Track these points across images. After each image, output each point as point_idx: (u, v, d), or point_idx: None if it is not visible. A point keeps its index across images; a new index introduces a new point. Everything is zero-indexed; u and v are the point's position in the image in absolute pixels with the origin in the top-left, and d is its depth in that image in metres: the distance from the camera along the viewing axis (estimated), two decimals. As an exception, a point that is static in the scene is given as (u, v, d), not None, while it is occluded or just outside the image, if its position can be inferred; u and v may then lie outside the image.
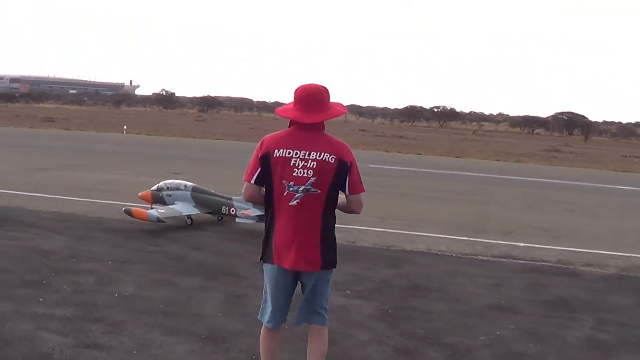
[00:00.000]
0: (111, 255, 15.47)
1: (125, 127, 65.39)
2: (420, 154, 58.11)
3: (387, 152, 58.85)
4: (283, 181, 6.89)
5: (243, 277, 14.30)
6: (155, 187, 20.82)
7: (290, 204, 6.95)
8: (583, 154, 69.89)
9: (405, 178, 36.31)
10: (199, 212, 19.97)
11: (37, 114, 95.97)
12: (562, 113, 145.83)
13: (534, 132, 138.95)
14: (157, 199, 20.56)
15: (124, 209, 19.29)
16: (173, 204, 19.98)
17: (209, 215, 20.46)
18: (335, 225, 7.91)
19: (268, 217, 7.37)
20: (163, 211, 19.21)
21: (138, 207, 19.58)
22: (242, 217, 19.21)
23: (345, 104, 8.19)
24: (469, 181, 37.24)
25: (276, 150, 6.95)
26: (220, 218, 20.55)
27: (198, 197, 20.15)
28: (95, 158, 38.17)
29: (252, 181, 7.17)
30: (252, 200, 7.92)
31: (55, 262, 14.52)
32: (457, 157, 57.18)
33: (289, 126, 7.60)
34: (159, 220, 18.71)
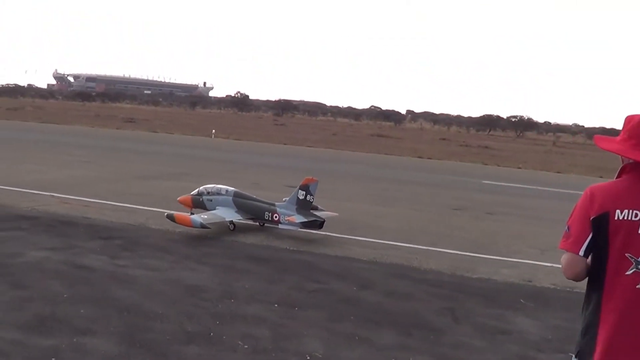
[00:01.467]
0: (271, 294, 13.12)
1: (213, 131, 63.43)
2: (519, 167, 55.08)
3: (485, 164, 55.87)
4: (627, 255, 4.90)
5: (439, 331, 11.85)
6: (195, 191, 20.03)
7: (638, 286, 4.91)
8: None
9: (529, 198, 33.70)
10: (241, 218, 19.01)
11: (116, 114, 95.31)
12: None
13: None
14: (197, 203, 19.80)
15: (166, 214, 18.24)
16: (214, 209, 19.10)
17: (251, 222, 19.52)
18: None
19: (592, 302, 5.28)
20: (206, 217, 18.16)
21: (180, 213, 18.53)
22: (286, 224, 18.34)
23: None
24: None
25: (618, 211, 4.92)
26: (262, 224, 19.42)
27: (240, 202, 19.29)
28: (197, 165, 35.99)
29: (581, 252, 5.12)
30: (578, 278, 5.35)
31: (212, 304, 12.12)
32: (558, 172, 53.69)
33: (619, 175, 5.32)
34: (202, 226, 17.67)
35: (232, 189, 19.64)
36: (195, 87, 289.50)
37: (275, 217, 18.48)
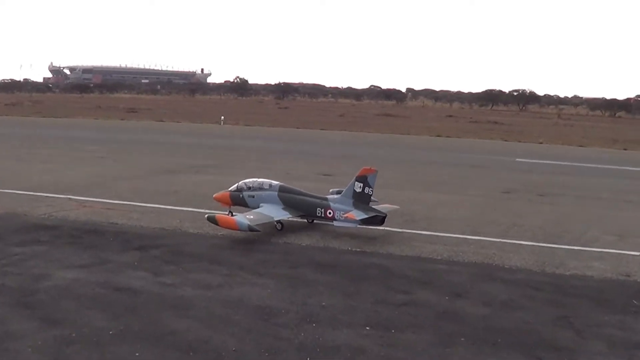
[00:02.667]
0: (356, 313, 10.88)
1: (222, 117, 61.27)
2: (541, 142, 53.01)
3: (505, 141, 53.80)
4: None
5: (569, 350, 9.78)
6: (234, 187, 17.67)
7: None
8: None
9: (571, 175, 31.60)
10: (290, 216, 16.61)
11: (117, 105, 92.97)
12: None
13: (616, 115, 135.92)
14: (237, 200, 17.48)
15: (206, 216, 15.79)
16: (258, 206, 16.72)
17: (299, 219, 17.19)
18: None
19: None
20: (252, 217, 15.67)
21: (223, 214, 16.18)
22: (342, 221, 15.88)
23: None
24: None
25: None
26: (311, 221, 17.12)
27: (287, 197, 16.91)
28: (218, 155, 33.67)
29: None
30: None
31: (293, 331, 9.99)
32: (580, 146, 51.60)
33: None
34: (251, 228, 15.15)
35: (277, 182, 17.33)
36: (193, 73, 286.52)
37: (329, 213, 16.15)
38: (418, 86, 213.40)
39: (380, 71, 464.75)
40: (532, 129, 70.83)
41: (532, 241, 16.68)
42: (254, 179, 17.70)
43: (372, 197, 16.25)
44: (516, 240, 16.72)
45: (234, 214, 17.12)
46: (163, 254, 13.93)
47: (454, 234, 17.07)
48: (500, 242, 16.47)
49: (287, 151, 37.85)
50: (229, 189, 17.75)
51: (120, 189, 21.86)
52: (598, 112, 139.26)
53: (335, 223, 16.16)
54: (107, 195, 20.52)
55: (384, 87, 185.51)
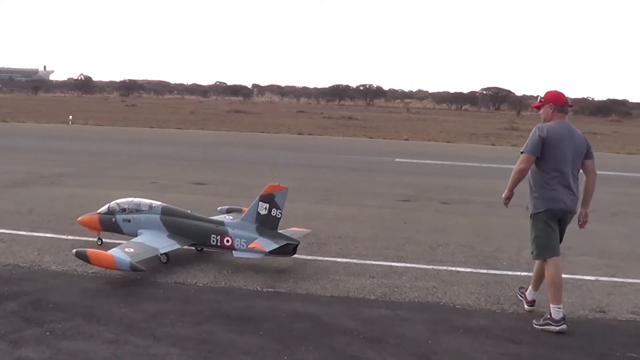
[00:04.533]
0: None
1: (70, 117, 57.59)
2: (406, 139, 51.83)
3: (371, 138, 52.51)
4: None
5: None
6: (104, 208, 13.98)
7: None
8: (542, 131, 65.29)
9: (463, 178, 29.17)
10: (178, 246, 12.99)
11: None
12: (488, 88, 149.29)
13: (462, 108, 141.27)
14: (109, 225, 13.83)
15: (74, 251, 12.06)
16: (135, 233, 13.21)
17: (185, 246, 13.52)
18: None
19: None
20: (132, 250, 12.09)
21: (96, 250, 12.30)
22: (244, 251, 12.64)
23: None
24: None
25: None
26: (200, 249, 13.81)
27: (172, 222, 13.37)
28: (72, 162, 29.53)
29: None
30: None
31: None
32: (448, 142, 50.80)
33: None
34: (134, 268, 11.67)
35: (158, 203, 13.88)
36: (35, 71, 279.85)
37: (227, 241, 12.88)
38: (263, 82, 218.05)
39: (225, 67, 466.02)
40: (386, 124, 70.62)
41: (468, 267, 14.04)
42: (130, 199, 14.17)
43: (279, 221, 13.07)
44: (450, 266, 14.04)
45: (103, 241, 13.98)
46: (21, 307, 10.34)
47: (376, 260, 14.22)
48: (432, 269, 13.75)
49: (147, 155, 34.15)
50: (98, 211, 14.16)
51: (-43, 207, 17.89)
52: (444, 106, 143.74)
53: (235, 253, 12.93)
54: (-57, 218, 16.58)
55: (229, 83, 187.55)
